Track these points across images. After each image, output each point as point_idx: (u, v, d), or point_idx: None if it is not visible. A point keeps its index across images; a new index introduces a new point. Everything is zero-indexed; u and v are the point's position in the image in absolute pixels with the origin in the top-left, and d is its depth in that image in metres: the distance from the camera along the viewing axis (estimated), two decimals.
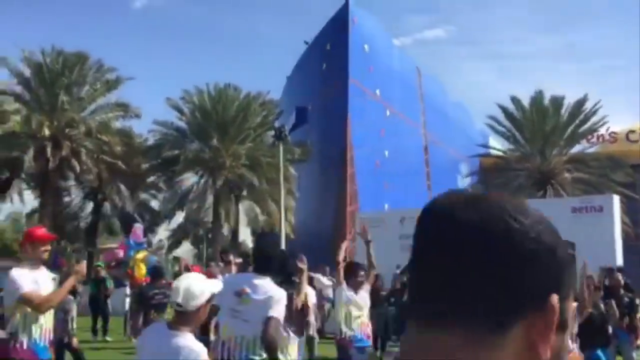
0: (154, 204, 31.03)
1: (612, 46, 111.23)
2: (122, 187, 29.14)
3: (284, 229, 23.87)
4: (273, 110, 29.29)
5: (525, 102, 28.41)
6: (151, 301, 8.44)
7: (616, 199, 14.74)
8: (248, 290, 3.86)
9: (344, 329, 5.89)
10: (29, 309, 4.26)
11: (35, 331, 4.33)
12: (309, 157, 29.11)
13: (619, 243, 14.33)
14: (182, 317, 2.84)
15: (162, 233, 32.85)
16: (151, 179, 29.15)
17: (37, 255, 4.41)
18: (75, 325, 8.56)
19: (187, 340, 2.78)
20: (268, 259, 4.12)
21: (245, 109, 27.50)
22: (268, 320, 3.71)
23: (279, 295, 3.87)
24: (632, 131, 40.96)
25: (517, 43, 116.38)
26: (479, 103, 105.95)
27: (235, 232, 30.05)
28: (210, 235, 30.44)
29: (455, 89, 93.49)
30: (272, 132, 25.48)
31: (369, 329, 6.05)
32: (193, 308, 2.80)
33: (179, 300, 2.78)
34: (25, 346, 4.29)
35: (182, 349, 2.73)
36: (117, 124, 27.93)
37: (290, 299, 5.39)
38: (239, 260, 11.37)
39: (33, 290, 4.24)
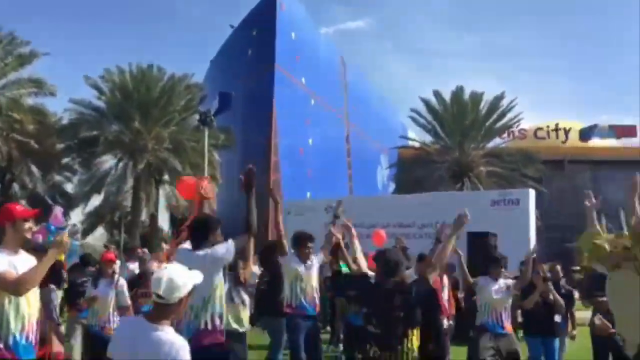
0: (68, 187, 29.66)
1: (524, 46, 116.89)
2: (34, 167, 27.67)
3: None
4: (198, 94, 28.63)
5: (446, 96, 29.45)
6: (79, 288, 8.19)
7: (532, 193, 15.51)
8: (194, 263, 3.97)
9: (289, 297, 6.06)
10: (5, 300, 3.58)
11: (16, 326, 3.61)
12: (233, 144, 28.77)
13: (533, 235, 15.12)
14: (163, 310, 2.70)
15: (76, 217, 31.47)
16: (66, 160, 27.78)
17: (20, 236, 3.75)
18: (58, 315, 8.03)
19: (168, 334, 2.66)
20: (205, 229, 4.36)
21: (169, 91, 26.71)
22: (233, 244, 4.23)
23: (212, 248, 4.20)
24: (540, 128, 43.51)
25: (436, 40, 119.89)
26: (399, 96, 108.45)
27: (153, 218, 29.28)
28: (128, 219, 29.45)
29: (376, 81, 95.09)
30: (197, 116, 25.01)
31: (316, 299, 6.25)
32: (175, 300, 2.68)
33: (161, 292, 2.66)
34: (2, 345, 3.58)
35: (163, 343, 2.61)
36: (30, 101, 26.37)
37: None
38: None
39: (9, 271, 3.55)
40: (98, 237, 37.78)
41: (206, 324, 4.16)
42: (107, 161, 27.28)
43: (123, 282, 7.36)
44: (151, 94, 26.39)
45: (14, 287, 3.53)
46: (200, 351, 3.53)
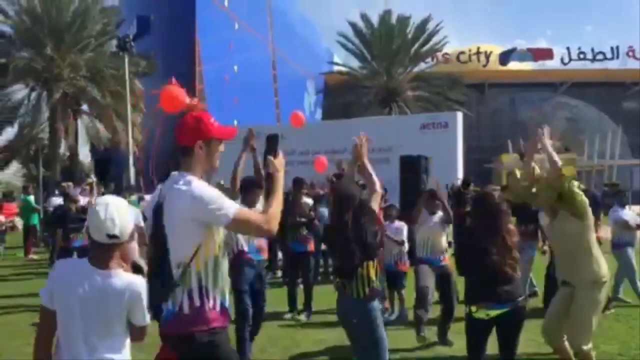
0: None
1: None
2: None
3: (131, 147, 22.74)
4: (114, 18, 26.95)
5: (374, 20, 29.21)
6: None
7: (459, 115, 15.84)
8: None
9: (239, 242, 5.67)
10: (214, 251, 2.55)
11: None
12: (155, 70, 27.55)
13: (461, 156, 15.58)
14: (112, 251, 2.45)
15: None
16: None
17: (212, 161, 2.67)
18: None
19: (122, 277, 2.44)
20: None
21: (83, 15, 24.96)
22: None
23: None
24: (462, 52, 44.19)
25: None
26: (323, 21, 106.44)
27: (73, 150, 28.00)
28: (45, 153, 27.99)
29: (301, 4, 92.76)
30: (115, 42, 23.69)
31: (263, 242, 5.88)
32: (126, 237, 2.45)
33: (117, 231, 2.39)
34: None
35: (125, 287, 2.41)
36: None
37: None
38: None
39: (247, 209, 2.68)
40: (16, 171, 35.99)
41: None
42: (19, 91, 25.57)
43: None
44: (63, 18, 24.61)
45: (268, 226, 2.54)
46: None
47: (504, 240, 3.84)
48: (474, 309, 3.89)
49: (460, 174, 14.71)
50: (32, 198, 14.77)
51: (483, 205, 4.01)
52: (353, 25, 29.52)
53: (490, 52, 43.65)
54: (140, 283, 2.46)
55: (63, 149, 27.37)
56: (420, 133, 15.33)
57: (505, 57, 42.48)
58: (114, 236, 2.41)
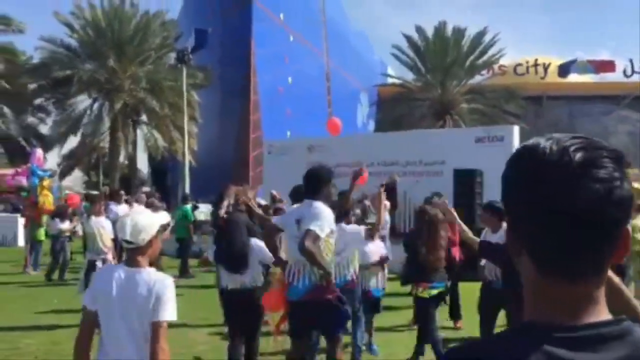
0: (43, 129, 29.00)
1: None
2: (6, 109, 26.91)
3: (187, 156, 23.25)
4: (173, 31, 27.74)
5: (429, 32, 28.96)
6: None
7: (516, 129, 15.45)
8: (305, 216, 4.12)
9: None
10: None
11: None
12: (212, 83, 28.17)
13: None
14: (136, 253, 2.75)
15: (52, 159, 31.00)
16: (39, 100, 27.03)
17: None
18: None
19: (151, 274, 2.72)
20: (319, 182, 4.31)
21: (144, 28, 25.87)
22: (305, 232, 3.96)
23: (320, 211, 4.11)
24: (520, 64, 43.28)
25: None
26: (377, 33, 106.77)
27: (132, 159, 28.88)
28: (105, 161, 28.97)
29: (355, 17, 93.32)
30: (173, 55, 24.37)
31: None
32: (143, 242, 2.73)
33: (127, 237, 2.71)
34: None
35: (153, 282, 2.67)
36: None
37: None
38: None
39: None
40: (77, 178, 37.41)
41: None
42: (83, 101, 26.68)
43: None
44: (125, 31, 25.53)
45: None
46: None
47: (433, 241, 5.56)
48: (420, 290, 5.59)
49: None
50: (189, 208, 13.00)
51: (420, 217, 5.81)
52: (408, 38, 29.35)
53: (549, 64, 42.57)
54: (165, 279, 2.73)
55: (122, 157, 28.30)
56: (475, 146, 15.01)
57: (564, 69, 41.32)
58: (127, 241, 2.73)
